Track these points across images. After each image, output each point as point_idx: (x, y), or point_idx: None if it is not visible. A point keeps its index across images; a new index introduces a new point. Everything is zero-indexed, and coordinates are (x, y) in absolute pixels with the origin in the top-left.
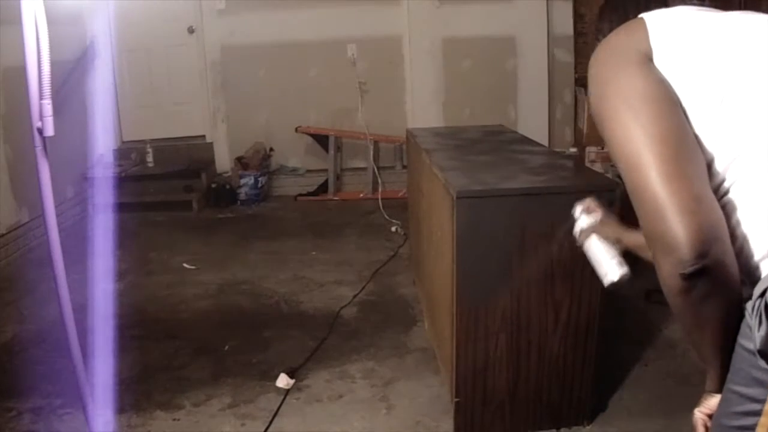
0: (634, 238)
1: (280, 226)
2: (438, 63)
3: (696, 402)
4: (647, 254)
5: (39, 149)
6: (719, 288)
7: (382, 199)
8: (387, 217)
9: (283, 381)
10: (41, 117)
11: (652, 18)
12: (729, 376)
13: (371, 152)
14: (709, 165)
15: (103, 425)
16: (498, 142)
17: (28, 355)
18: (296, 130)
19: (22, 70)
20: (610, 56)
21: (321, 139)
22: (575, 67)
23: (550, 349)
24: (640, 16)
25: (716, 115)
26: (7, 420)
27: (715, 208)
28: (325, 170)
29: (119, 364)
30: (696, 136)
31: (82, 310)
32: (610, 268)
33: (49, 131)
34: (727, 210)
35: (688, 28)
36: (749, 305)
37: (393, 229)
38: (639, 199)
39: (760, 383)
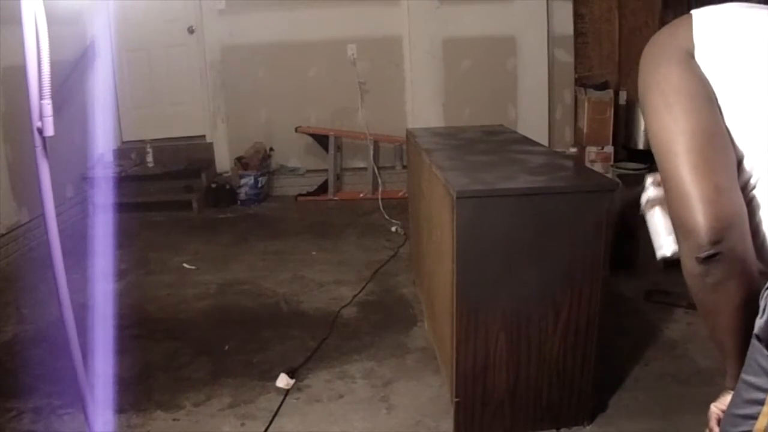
0: None
1: (280, 226)
2: (438, 63)
3: (696, 402)
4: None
5: (39, 149)
6: (734, 275)
7: (382, 199)
8: (387, 217)
9: (283, 381)
10: (41, 117)
11: (699, 14)
12: (744, 367)
13: (371, 152)
14: (740, 161)
15: (103, 425)
16: (498, 142)
17: (28, 355)
18: (296, 130)
19: (22, 70)
20: (655, 51)
21: (321, 139)
22: (575, 67)
23: (550, 349)
24: (690, 12)
25: (750, 112)
26: (7, 420)
27: (735, 200)
28: (325, 170)
29: (119, 364)
30: (728, 132)
31: (82, 310)
32: (666, 242)
33: (49, 131)
34: (752, 206)
35: (731, 25)
36: (762, 293)
37: (393, 229)
38: (668, 185)
39: (765, 372)
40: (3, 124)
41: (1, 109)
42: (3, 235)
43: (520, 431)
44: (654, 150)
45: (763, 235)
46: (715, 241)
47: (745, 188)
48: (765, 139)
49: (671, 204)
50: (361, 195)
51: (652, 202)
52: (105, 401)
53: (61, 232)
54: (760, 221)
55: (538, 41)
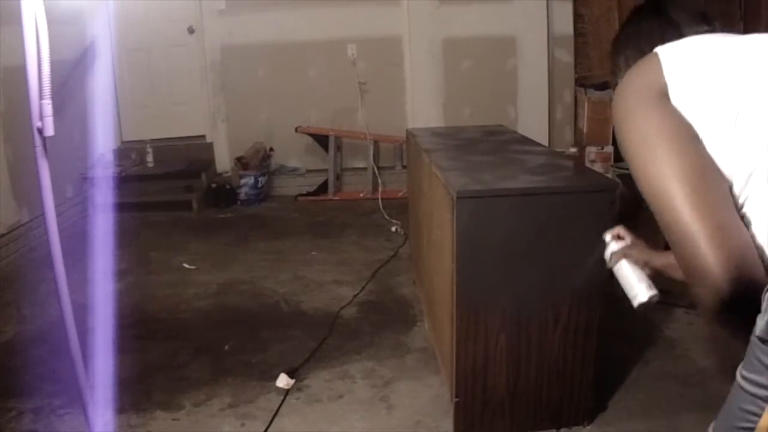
0: (661, 260)
1: (280, 226)
2: (438, 63)
3: (696, 402)
4: (676, 274)
5: (39, 149)
6: (753, 300)
7: (382, 199)
8: (387, 217)
9: (283, 381)
10: (41, 117)
11: (666, 51)
12: (742, 363)
13: (371, 152)
14: (729, 189)
15: (103, 425)
16: (498, 142)
17: (29, 355)
18: (296, 130)
19: (22, 70)
20: (627, 96)
21: (321, 139)
22: (575, 67)
23: (550, 349)
24: (654, 50)
25: (731, 137)
26: (8, 420)
27: (741, 231)
28: (325, 170)
29: (119, 364)
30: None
31: (82, 310)
32: (639, 290)
33: (49, 131)
34: (744, 223)
35: (699, 55)
36: (764, 295)
37: (393, 229)
38: (670, 233)
39: None
40: (3, 124)
41: (1, 109)
42: (3, 235)
43: (520, 431)
44: (649, 200)
45: (757, 249)
46: (734, 279)
47: (737, 209)
48: (751, 158)
49: (678, 252)
50: (361, 195)
51: (617, 255)
52: (105, 401)
53: (61, 232)
54: (753, 236)
55: (538, 41)
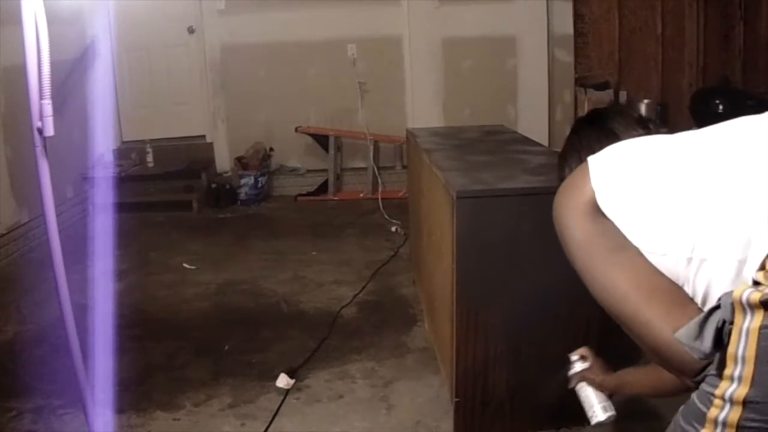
0: (614, 382)
1: (280, 226)
2: (438, 63)
3: None
4: (630, 391)
5: (39, 149)
6: None
7: (382, 199)
8: (387, 217)
9: (283, 381)
10: (41, 117)
11: (593, 160)
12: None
13: (371, 152)
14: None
15: (103, 425)
16: (498, 142)
17: (29, 355)
18: (296, 130)
19: (22, 70)
20: (561, 212)
21: (321, 139)
22: (575, 67)
23: (550, 349)
24: (587, 159)
25: (668, 229)
26: (8, 420)
27: (697, 307)
28: (325, 170)
29: (119, 364)
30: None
31: (82, 310)
32: (598, 410)
33: (49, 131)
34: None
35: (621, 158)
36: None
37: (393, 229)
38: (632, 327)
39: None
40: (3, 124)
41: (1, 109)
42: (3, 235)
43: (520, 431)
44: (608, 309)
45: None
46: (705, 364)
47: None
48: (687, 245)
49: (647, 347)
50: (361, 195)
51: (576, 378)
52: (105, 401)
53: (61, 232)
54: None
55: (538, 41)
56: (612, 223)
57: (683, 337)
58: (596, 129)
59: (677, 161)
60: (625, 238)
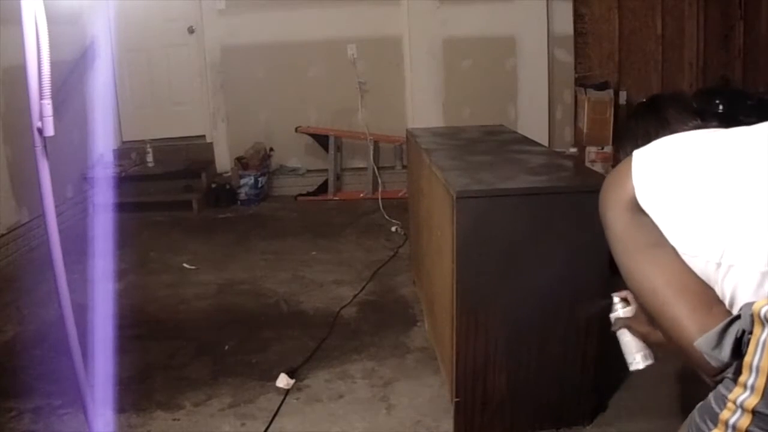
0: (658, 337)
1: (280, 226)
2: (438, 63)
3: (696, 402)
4: (670, 351)
5: (39, 149)
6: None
7: (382, 199)
8: (387, 217)
9: (283, 381)
10: (41, 117)
11: (638, 154)
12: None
13: (371, 152)
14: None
15: (103, 425)
16: (498, 142)
17: (29, 355)
18: (296, 130)
19: (22, 70)
20: (604, 202)
21: (321, 139)
22: (575, 67)
23: (550, 349)
24: (633, 153)
25: (700, 232)
26: (7, 420)
27: (724, 309)
28: (325, 170)
29: (119, 364)
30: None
31: (82, 310)
32: (637, 358)
33: (49, 131)
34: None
35: (664, 154)
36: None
37: (393, 229)
38: (664, 332)
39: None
40: (3, 124)
41: (1, 109)
42: (3, 235)
43: (520, 431)
44: (641, 301)
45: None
46: (725, 365)
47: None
48: (719, 249)
49: (673, 342)
50: (361, 195)
51: (621, 323)
52: (105, 401)
53: (61, 232)
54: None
55: (538, 41)
56: (650, 219)
57: (703, 345)
58: (653, 116)
59: (716, 164)
60: (661, 234)
